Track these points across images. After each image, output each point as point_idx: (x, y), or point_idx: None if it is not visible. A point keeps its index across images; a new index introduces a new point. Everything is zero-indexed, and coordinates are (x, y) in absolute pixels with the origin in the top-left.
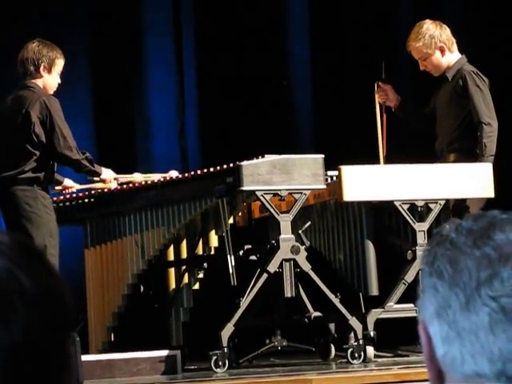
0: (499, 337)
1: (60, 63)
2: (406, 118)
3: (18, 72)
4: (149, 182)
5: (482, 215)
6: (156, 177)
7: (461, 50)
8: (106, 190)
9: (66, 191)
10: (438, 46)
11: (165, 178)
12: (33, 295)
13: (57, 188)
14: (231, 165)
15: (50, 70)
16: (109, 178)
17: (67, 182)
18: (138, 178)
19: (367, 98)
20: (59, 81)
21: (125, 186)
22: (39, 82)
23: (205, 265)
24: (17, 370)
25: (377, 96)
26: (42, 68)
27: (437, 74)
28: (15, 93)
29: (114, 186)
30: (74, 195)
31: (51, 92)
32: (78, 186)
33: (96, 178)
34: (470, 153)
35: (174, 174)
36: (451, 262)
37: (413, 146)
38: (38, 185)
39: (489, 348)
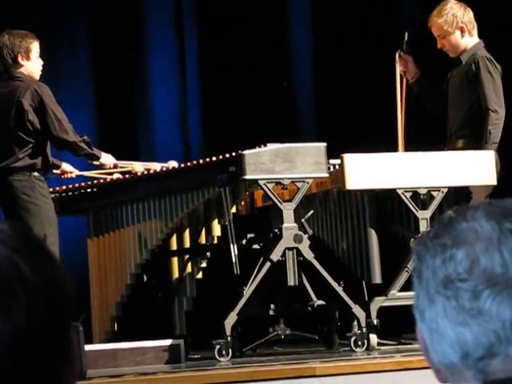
0: (453, 322)
1: (35, 47)
2: (420, 93)
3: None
4: (151, 172)
5: (466, 206)
6: (156, 165)
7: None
8: (108, 179)
9: (65, 176)
10: (459, 26)
11: (165, 167)
12: (34, 283)
13: (55, 172)
14: (233, 154)
15: (28, 57)
16: (108, 163)
17: (65, 166)
18: (137, 165)
19: (370, 85)
20: (42, 62)
21: (127, 176)
22: (23, 71)
23: (208, 254)
24: (18, 358)
25: (397, 66)
26: (19, 58)
27: (453, 55)
28: (3, 85)
29: (116, 174)
30: (77, 185)
31: (37, 77)
32: (77, 172)
33: (96, 163)
34: (478, 139)
35: (173, 163)
36: (418, 257)
37: (422, 131)
38: (35, 171)
39: (447, 334)
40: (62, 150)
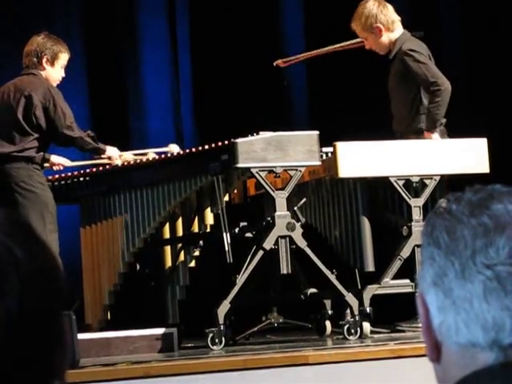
0: (493, 305)
1: (64, 57)
2: None
3: (23, 63)
4: (143, 160)
5: (482, 188)
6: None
7: (453, 31)
8: (100, 168)
9: (56, 168)
10: (374, 26)
11: (162, 154)
12: (27, 268)
13: (45, 165)
14: (226, 142)
15: (52, 63)
16: (114, 156)
17: (54, 158)
18: (132, 153)
19: (362, 73)
20: (63, 74)
21: (119, 164)
22: (42, 73)
23: (200, 242)
24: (10, 342)
25: None
26: (44, 60)
27: (382, 53)
28: (18, 78)
29: (119, 162)
30: (70, 174)
31: (54, 85)
32: (68, 164)
33: (103, 156)
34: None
35: (174, 147)
36: (448, 231)
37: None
38: (34, 164)
39: (483, 316)
40: (67, 146)
